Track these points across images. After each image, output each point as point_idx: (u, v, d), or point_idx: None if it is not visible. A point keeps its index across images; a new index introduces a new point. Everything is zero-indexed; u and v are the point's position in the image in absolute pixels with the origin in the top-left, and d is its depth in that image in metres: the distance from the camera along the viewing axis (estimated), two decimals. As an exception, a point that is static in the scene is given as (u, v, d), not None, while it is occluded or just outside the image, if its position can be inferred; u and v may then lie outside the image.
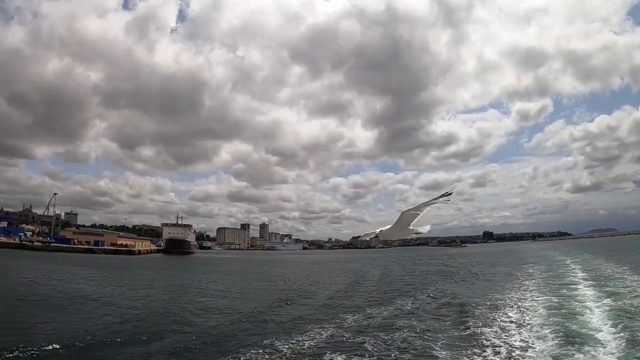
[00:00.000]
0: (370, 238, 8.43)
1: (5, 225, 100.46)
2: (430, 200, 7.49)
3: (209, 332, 14.12)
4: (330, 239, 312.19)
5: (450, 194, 7.24)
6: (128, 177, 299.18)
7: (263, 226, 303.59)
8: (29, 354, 10.63)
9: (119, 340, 12.45)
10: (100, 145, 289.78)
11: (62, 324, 14.40)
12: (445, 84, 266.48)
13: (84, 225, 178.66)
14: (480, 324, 14.29)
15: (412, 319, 15.86)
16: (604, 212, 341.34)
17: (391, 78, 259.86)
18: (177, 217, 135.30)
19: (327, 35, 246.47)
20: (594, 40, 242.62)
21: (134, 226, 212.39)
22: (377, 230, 8.16)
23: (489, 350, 11.18)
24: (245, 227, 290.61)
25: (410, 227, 7.89)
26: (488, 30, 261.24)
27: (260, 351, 11.36)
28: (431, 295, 22.24)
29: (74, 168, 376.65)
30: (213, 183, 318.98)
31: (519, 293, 21.52)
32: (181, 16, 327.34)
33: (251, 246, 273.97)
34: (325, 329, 13.99)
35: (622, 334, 11.62)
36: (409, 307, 18.45)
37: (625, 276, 24.31)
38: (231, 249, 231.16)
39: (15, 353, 10.61)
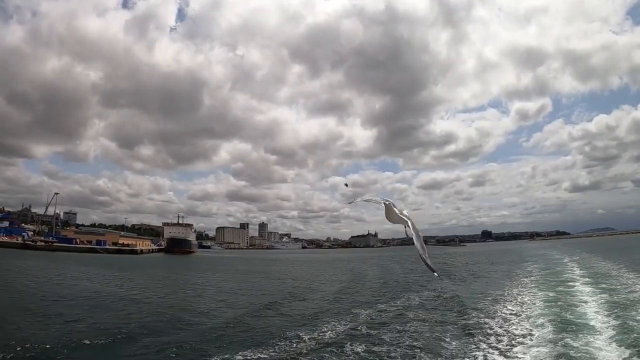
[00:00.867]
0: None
1: (7, 225, 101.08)
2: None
3: (240, 324, 15.33)
4: (328, 238, 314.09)
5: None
6: (127, 177, 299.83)
7: (262, 225, 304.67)
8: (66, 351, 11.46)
9: (162, 336, 13.33)
10: (99, 144, 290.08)
11: (100, 321, 15.21)
12: (445, 84, 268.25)
13: (83, 225, 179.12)
14: (483, 316, 15.41)
15: (419, 312, 16.95)
16: (602, 211, 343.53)
17: (391, 77, 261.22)
18: (179, 216, 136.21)
19: (327, 35, 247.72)
20: (594, 40, 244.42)
21: (132, 225, 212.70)
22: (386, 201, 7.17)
23: (492, 338, 12.27)
24: (244, 226, 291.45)
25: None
26: (488, 30, 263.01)
27: (287, 342, 12.44)
28: (434, 291, 23.21)
29: (72, 167, 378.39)
30: (212, 182, 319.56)
31: (518, 289, 22.59)
32: (181, 15, 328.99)
33: (250, 245, 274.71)
34: (340, 323, 14.98)
35: (614, 322, 12.69)
36: (415, 302, 19.49)
37: (622, 274, 25.27)
38: (230, 248, 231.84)
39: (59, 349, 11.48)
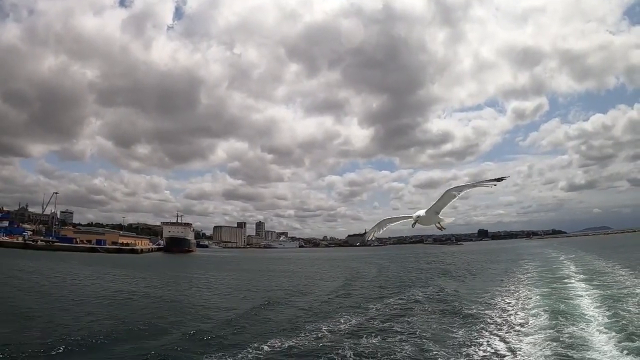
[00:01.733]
0: (412, 224, 7.13)
1: (7, 224, 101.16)
2: (478, 182, 6.94)
3: (264, 318, 16.48)
4: (325, 237, 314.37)
5: (502, 179, 6.70)
6: (123, 175, 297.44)
7: (259, 224, 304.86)
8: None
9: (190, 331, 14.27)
10: (95, 143, 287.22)
11: (136, 318, 16.21)
12: (442, 83, 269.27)
13: (80, 224, 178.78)
14: (483, 308, 16.69)
15: (425, 305, 18.19)
16: (598, 210, 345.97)
17: (388, 76, 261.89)
18: (177, 215, 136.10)
19: (325, 34, 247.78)
20: (590, 39, 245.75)
21: (129, 224, 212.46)
22: (414, 215, 7.04)
23: (492, 327, 13.50)
24: (241, 225, 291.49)
25: (439, 215, 7.08)
26: (485, 29, 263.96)
27: (307, 333, 13.57)
28: (436, 287, 24.38)
29: (69, 166, 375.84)
30: (208, 181, 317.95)
31: (515, 285, 23.83)
32: (178, 13, 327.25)
33: (248, 244, 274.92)
34: (352, 316, 16.18)
35: (606, 312, 13.84)
36: (420, 297, 20.67)
37: (615, 270, 26.33)
38: (228, 247, 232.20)
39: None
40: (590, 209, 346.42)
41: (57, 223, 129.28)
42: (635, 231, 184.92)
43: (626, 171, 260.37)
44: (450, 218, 7.39)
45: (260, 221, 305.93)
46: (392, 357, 10.90)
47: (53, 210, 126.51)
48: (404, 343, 12.00)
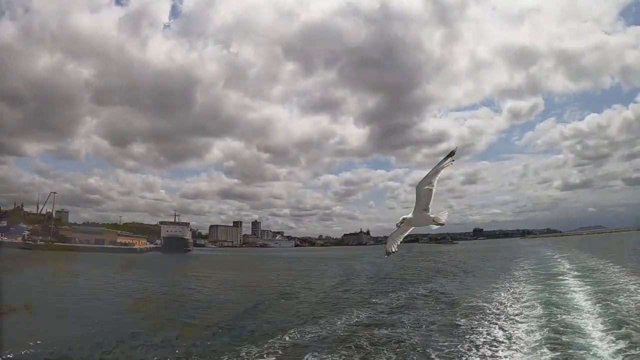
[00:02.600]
0: (398, 226, 7.47)
1: (5, 224, 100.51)
2: (436, 167, 6.98)
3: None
4: (320, 236, 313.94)
5: (454, 152, 6.79)
6: (118, 175, 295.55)
7: (255, 223, 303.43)
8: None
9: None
10: (91, 142, 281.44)
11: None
12: (438, 82, 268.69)
13: (75, 223, 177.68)
14: (481, 301, 17.94)
15: (427, 301, 19.46)
16: (593, 209, 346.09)
17: (384, 75, 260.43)
18: (175, 215, 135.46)
19: (321, 33, 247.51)
20: (586, 39, 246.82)
21: (125, 224, 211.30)
22: (401, 218, 7.36)
23: (491, 317, 14.77)
24: (237, 224, 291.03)
25: (430, 215, 7.27)
26: (481, 29, 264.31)
27: (315, 326, 14.70)
28: (435, 283, 25.64)
29: (64, 165, 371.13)
30: (204, 180, 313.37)
31: (510, 282, 24.84)
32: (174, 12, 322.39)
33: (244, 243, 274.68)
34: (360, 310, 17.28)
35: (598, 304, 14.95)
36: (421, 292, 21.81)
37: (607, 267, 27.33)
38: (224, 247, 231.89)
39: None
40: (584, 208, 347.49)
41: (53, 223, 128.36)
42: (629, 230, 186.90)
43: (621, 170, 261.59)
44: (444, 214, 7.55)
45: (256, 220, 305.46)
46: (403, 345, 11.96)
47: (49, 210, 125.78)
48: (411, 334, 13.09)
